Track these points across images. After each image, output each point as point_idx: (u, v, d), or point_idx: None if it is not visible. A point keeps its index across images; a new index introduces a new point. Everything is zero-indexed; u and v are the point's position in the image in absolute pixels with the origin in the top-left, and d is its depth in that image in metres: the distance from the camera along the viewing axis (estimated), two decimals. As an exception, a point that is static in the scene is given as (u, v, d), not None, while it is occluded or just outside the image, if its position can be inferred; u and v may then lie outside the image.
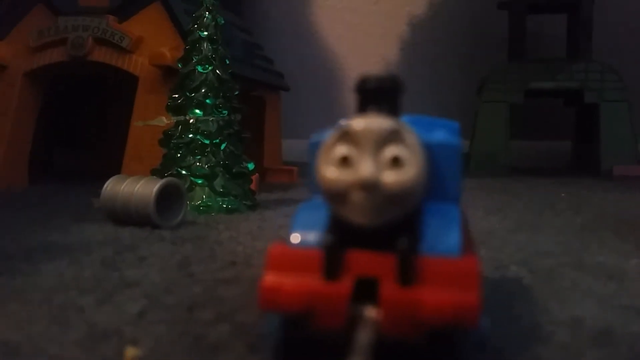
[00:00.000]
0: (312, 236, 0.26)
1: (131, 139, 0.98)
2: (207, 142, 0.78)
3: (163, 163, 0.79)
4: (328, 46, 2.00)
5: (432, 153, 0.27)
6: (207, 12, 0.81)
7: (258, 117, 1.29)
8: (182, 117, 0.79)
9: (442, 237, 0.25)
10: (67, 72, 1.14)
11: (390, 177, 0.24)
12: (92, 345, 0.30)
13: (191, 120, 0.78)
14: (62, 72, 1.13)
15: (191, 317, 0.34)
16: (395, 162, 0.24)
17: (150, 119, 0.83)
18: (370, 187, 0.24)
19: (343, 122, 0.25)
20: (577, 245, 0.57)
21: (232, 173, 0.79)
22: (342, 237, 0.25)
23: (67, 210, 0.79)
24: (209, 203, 0.76)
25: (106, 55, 1.02)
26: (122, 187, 0.65)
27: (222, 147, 0.79)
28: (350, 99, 1.75)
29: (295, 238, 0.26)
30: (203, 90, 0.79)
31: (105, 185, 0.66)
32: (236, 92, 0.83)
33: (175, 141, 0.78)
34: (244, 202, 0.79)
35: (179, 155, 0.78)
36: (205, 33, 0.81)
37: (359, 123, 0.25)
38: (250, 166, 0.82)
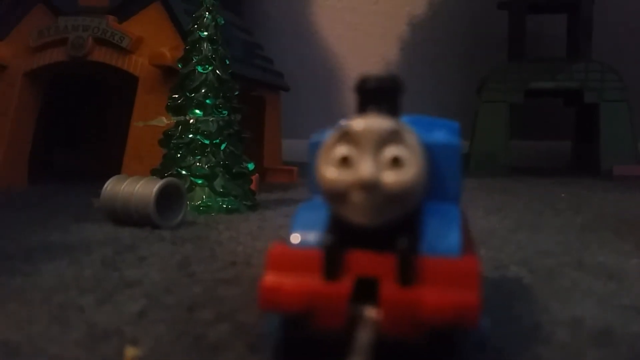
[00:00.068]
0: (312, 236, 0.26)
1: (131, 139, 0.98)
2: (207, 142, 0.78)
3: (163, 163, 0.79)
4: (328, 46, 2.00)
5: (432, 153, 0.27)
6: (207, 12, 0.81)
7: (258, 117, 1.29)
8: (182, 117, 0.79)
9: (442, 237, 0.25)
10: (67, 72, 1.14)
11: (390, 177, 0.24)
12: (92, 345, 0.30)
13: (191, 121, 0.78)
14: (62, 72, 1.13)
15: (191, 317, 0.34)
16: (395, 162, 0.24)
17: (150, 119, 0.83)
18: (370, 187, 0.24)
19: (343, 122, 0.25)
20: (577, 245, 0.57)
21: (232, 173, 0.79)
22: (342, 237, 0.25)
23: (67, 210, 0.79)
24: (209, 203, 0.76)
25: (106, 56, 1.02)
26: (122, 187, 0.65)
27: (222, 147, 0.79)
28: (350, 99, 1.76)
29: (295, 238, 0.26)
30: (203, 91, 0.79)
31: (105, 185, 0.66)
32: (236, 92, 0.83)
33: (175, 141, 0.78)
34: (244, 202, 0.79)
35: (179, 155, 0.78)
36: (205, 33, 0.81)
37: (359, 123, 0.25)
38: (250, 166, 0.82)
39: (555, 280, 0.43)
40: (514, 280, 0.43)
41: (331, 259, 0.25)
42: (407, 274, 0.24)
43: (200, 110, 0.79)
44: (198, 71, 0.79)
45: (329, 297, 0.24)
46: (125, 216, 0.64)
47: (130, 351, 0.29)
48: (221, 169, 0.78)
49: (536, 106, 1.71)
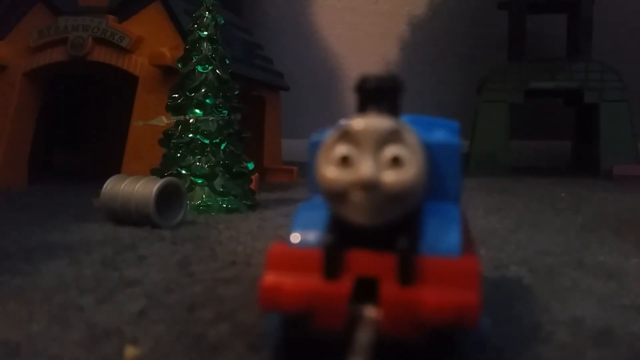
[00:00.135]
0: (312, 236, 0.26)
1: (131, 138, 0.98)
2: (207, 141, 0.78)
3: (163, 163, 0.79)
4: (328, 46, 2.00)
5: (432, 153, 0.27)
6: (207, 12, 0.81)
7: (258, 117, 1.29)
8: (182, 117, 0.79)
9: (442, 237, 0.25)
10: (67, 72, 1.14)
11: (390, 177, 0.24)
12: (92, 345, 0.30)
13: (191, 120, 0.78)
14: (62, 72, 1.13)
15: (191, 316, 0.34)
16: (396, 161, 0.24)
17: (150, 119, 0.83)
18: (371, 186, 0.24)
19: (343, 122, 0.25)
20: (577, 244, 0.57)
21: (232, 173, 0.79)
22: (342, 236, 0.25)
23: (67, 210, 0.79)
24: (208, 203, 0.76)
25: (106, 55, 1.02)
26: (122, 186, 0.65)
27: (222, 146, 0.79)
28: (350, 98, 1.76)
29: (295, 238, 0.26)
30: (203, 90, 0.79)
31: (105, 185, 0.66)
32: (236, 92, 0.83)
33: (175, 141, 0.78)
34: (244, 201, 0.79)
35: (178, 155, 0.78)
36: (205, 33, 0.81)
37: (359, 123, 0.25)
38: (250, 166, 0.82)
39: (556, 280, 0.43)
40: (514, 280, 0.43)
41: (331, 258, 0.25)
42: (407, 274, 0.24)
43: (200, 110, 0.79)
44: (198, 71, 0.79)
45: (329, 296, 0.24)
46: (125, 216, 0.64)
47: (130, 351, 0.29)
48: (221, 169, 0.78)
49: (536, 106, 1.71)
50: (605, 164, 1.47)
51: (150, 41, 1.00)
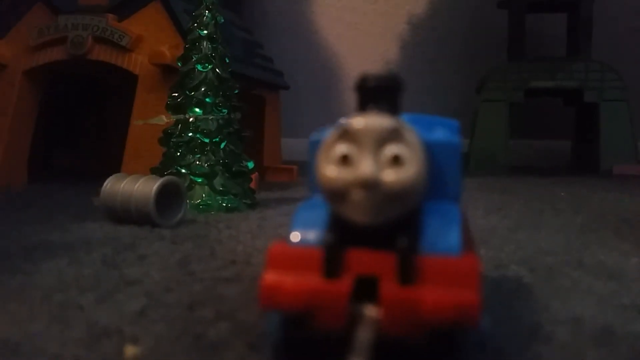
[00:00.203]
0: (312, 235, 0.26)
1: (131, 137, 0.97)
2: (206, 140, 0.78)
3: (163, 162, 0.79)
4: (327, 45, 2.00)
5: (432, 152, 0.27)
6: (206, 11, 0.81)
7: (258, 116, 1.29)
8: (181, 116, 0.79)
9: (442, 236, 0.25)
10: (66, 71, 1.14)
11: (390, 176, 0.24)
12: (93, 344, 0.30)
13: (191, 119, 0.78)
14: (62, 71, 1.13)
15: (191, 315, 0.34)
16: (396, 160, 0.24)
17: (150, 118, 0.83)
18: (371, 185, 0.24)
19: (343, 121, 0.25)
20: (577, 244, 0.57)
21: (231, 172, 0.79)
22: (342, 235, 0.25)
23: (66, 209, 0.79)
24: (208, 202, 0.76)
25: (106, 54, 1.02)
26: (122, 185, 0.65)
27: (222, 145, 0.79)
28: (350, 97, 1.76)
29: (295, 237, 0.26)
30: (203, 89, 0.79)
31: (104, 184, 0.66)
32: (236, 91, 0.83)
33: (175, 140, 0.78)
34: (244, 200, 0.79)
35: (178, 154, 0.78)
36: (205, 32, 0.80)
37: (359, 122, 0.25)
38: (250, 165, 0.82)
39: (556, 279, 0.43)
40: (514, 280, 0.43)
41: (331, 257, 0.25)
42: (408, 273, 0.24)
43: (200, 109, 0.79)
44: (198, 70, 0.79)
45: (329, 295, 0.24)
46: (124, 215, 0.64)
47: (130, 350, 0.29)
48: (221, 168, 0.78)
49: (536, 105, 1.71)
50: (605, 163, 1.47)
51: (150, 40, 1.00)
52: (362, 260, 0.24)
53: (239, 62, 1.09)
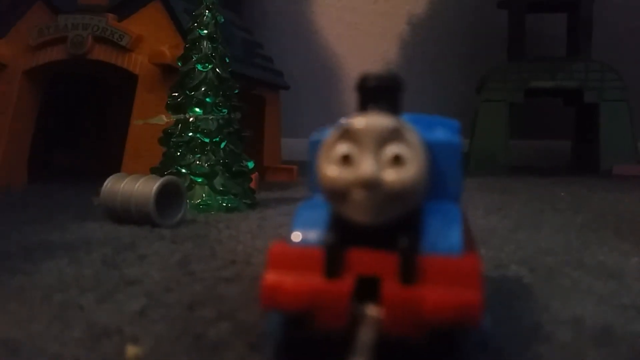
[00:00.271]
0: (313, 235, 0.26)
1: (131, 137, 0.97)
2: (206, 140, 0.78)
3: (163, 162, 0.79)
4: (327, 45, 2.00)
5: (432, 152, 0.27)
6: (207, 11, 0.81)
7: (258, 116, 1.29)
8: (182, 116, 0.79)
9: (443, 236, 0.25)
10: (66, 71, 1.14)
11: (391, 176, 0.24)
12: (93, 344, 0.30)
13: (191, 119, 0.78)
14: (62, 71, 1.13)
15: (192, 315, 0.34)
16: (397, 160, 0.24)
17: (150, 118, 0.83)
18: (372, 185, 0.24)
19: (344, 121, 0.25)
20: (577, 244, 0.57)
21: (231, 172, 0.79)
22: (343, 235, 0.25)
23: (66, 209, 0.79)
24: (208, 202, 0.76)
25: (106, 54, 1.02)
26: (122, 185, 0.65)
27: (222, 145, 0.79)
28: (350, 97, 1.75)
29: (296, 236, 0.26)
30: (203, 89, 0.79)
31: (104, 184, 0.66)
32: (236, 91, 0.83)
33: (175, 140, 0.78)
34: (244, 200, 0.79)
35: (178, 153, 0.78)
36: (205, 31, 0.80)
37: (359, 121, 0.25)
38: (250, 165, 0.82)
39: (556, 279, 0.43)
40: (514, 280, 0.43)
41: (332, 257, 0.25)
42: (409, 273, 0.23)
43: (200, 109, 0.78)
44: (198, 69, 0.79)
45: (331, 295, 0.24)
46: (125, 215, 0.64)
47: (132, 350, 0.29)
48: (221, 168, 0.78)
49: (536, 106, 1.71)
50: (605, 163, 1.47)
51: (150, 40, 1.00)
52: (363, 260, 0.24)
53: (239, 62, 1.09)
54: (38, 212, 0.76)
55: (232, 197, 0.77)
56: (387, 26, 1.95)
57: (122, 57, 1.01)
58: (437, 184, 0.27)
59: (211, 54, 0.80)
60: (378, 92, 0.26)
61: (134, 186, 0.64)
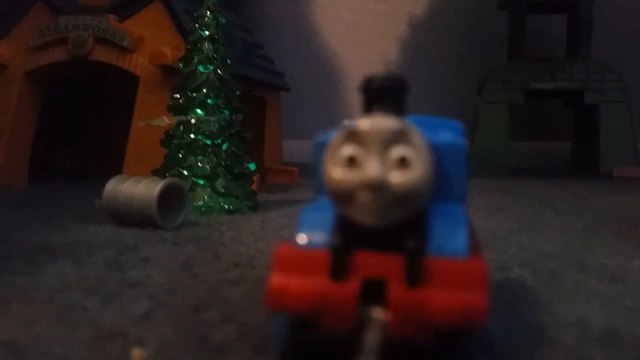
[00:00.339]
0: (319, 237, 0.26)
1: (132, 138, 0.97)
2: (208, 142, 0.78)
3: (164, 163, 0.79)
4: (328, 46, 2.00)
5: (437, 153, 0.27)
6: (208, 12, 0.81)
7: (259, 118, 1.29)
8: (183, 117, 0.79)
9: (449, 238, 0.25)
10: (67, 72, 1.14)
11: (397, 178, 0.24)
12: (98, 346, 0.30)
13: (193, 121, 0.78)
14: (63, 72, 1.13)
15: (196, 318, 0.34)
16: (402, 162, 0.24)
17: (151, 119, 0.83)
18: (377, 187, 0.24)
19: (349, 122, 0.25)
20: (579, 246, 0.57)
21: (233, 174, 0.79)
22: (349, 237, 0.25)
23: (68, 210, 0.79)
24: (210, 204, 0.76)
25: (107, 55, 1.01)
26: (124, 187, 0.64)
27: (224, 147, 0.79)
28: (350, 98, 1.75)
29: (302, 239, 0.26)
30: (204, 90, 0.79)
31: (107, 186, 0.66)
32: (237, 92, 0.83)
33: (176, 141, 0.78)
34: (246, 202, 0.79)
35: (180, 155, 0.77)
36: (207, 33, 0.80)
37: (365, 123, 0.25)
38: (252, 166, 0.82)
39: (559, 282, 0.43)
40: (517, 282, 0.43)
41: (338, 259, 0.25)
42: (415, 275, 0.23)
43: (201, 110, 0.78)
44: (199, 71, 0.79)
45: (337, 298, 0.24)
46: (127, 217, 0.64)
47: (137, 352, 0.29)
48: (223, 169, 0.78)
49: (536, 107, 1.71)
50: (605, 164, 1.47)
51: (151, 41, 1.00)
52: (369, 263, 0.24)
53: (240, 63, 1.09)
54: (39, 213, 0.76)
55: (234, 199, 0.77)
56: (387, 27, 1.95)
57: (123, 58, 1.01)
58: (442, 185, 0.27)
59: (213, 55, 0.80)
60: (383, 94, 0.26)
61: (136, 188, 0.64)
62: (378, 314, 0.24)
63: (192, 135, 0.78)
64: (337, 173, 0.25)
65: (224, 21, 0.83)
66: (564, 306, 0.37)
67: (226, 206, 0.76)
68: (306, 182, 1.22)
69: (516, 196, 1.00)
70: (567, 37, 1.64)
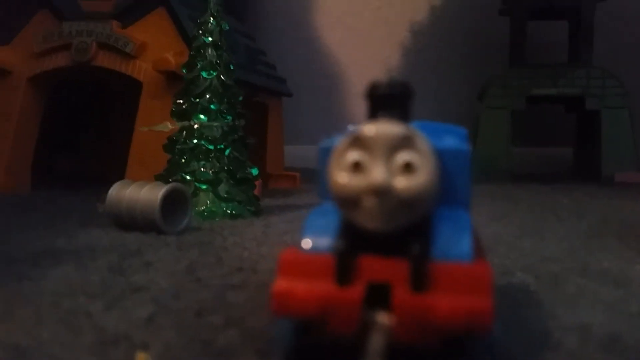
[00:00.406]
0: (324, 241, 0.26)
1: (135, 144, 0.98)
2: (211, 147, 0.78)
3: (167, 168, 0.79)
4: (329, 52, 2.00)
5: (442, 159, 0.27)
6: (211, 18, 0.82)
7: (261, 123, 1.29)
8: (186, 123, 0.79)
9: (453, 243, 0.25)
10: (71, 77, 1.15)
11: (402, 183, 0.24)
12: (102, 350, 0.30)
13: (196, 126, 0.78)
14: (66, 77, 1.13)
15: (200, 322, 0.34)
16: (407, 167, 0.24)
17: (154, 124, 0.83)
18: (383, 192, 0.24)
19: (354, 128, 0.26)
20: (581, 251, 0.57)
21: (236, 179, 0.79)
22: (354, 242, 0.25)
23: (71, 215, 0.79)
24: (213, 209, 0.76)
25: (110, 61, 1.02)
26: (127, 192, 0.65)
27: (227, 152, 0.79)
28: (352, 103, 1.75)
29: (307, 243, 0.26)
30: (207, 96, 0.79)
31: (110, 191, 0.66)
32: (240, 98, 0.83)
33: (179, 147, 0.78)
34: (248, 207, 0.79)
35: (183, 160, 0.78)
36: (210, 39, 0.81)
37: (370, 129, 0.25)
38: (254, 172, 0.82)
39: (561, 286, 0.43)
40: (520, 287, 0.43)
41: (343, 264, 0.25)
42: (420, 280, 0.24)
43: (204, 116, 0.79)
44: (203, 77, 0.80)
45: (341, 302, 0.24)
46: (130, 221, 0.64)
47: (141, 356, 0.29)
48: (225, 175, 0.78)
49: (538, 112, 1.71)
50: (606, 170, 1.47)
51: (154, 47, 1.00)
52: (374, 267, 0.24)
53: (243, 69, 1.10)
54: (43, 218, 0.76)
55: (237, 204, 0.78)
56: (389, 33, 1.96)
57: (126, 64, 1.01)
58: (446, 191, 0.27)
59: (216, 61, 0.80)
60: (388, 100, 0.27)
61: (139, 193, 0.64)
62: (383, 318, 0.24)
63: (195, 141, 0.78)
64: (342, 178, 0.25)
65: (227, 28, 0.83)
66: (567, 311, 0.37)
67: (229, 211, 0.77)
68: (308, 187, 1.22)
69: (518, 202, 1.00)
70: (568, 43, 1.65)
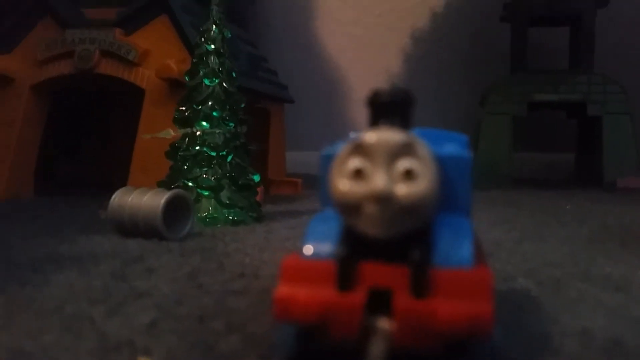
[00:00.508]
0: (326, 248, 0.26)
1: (138, 151, 0.98)
2: (213, 154, 0.78)
3: (170, 175, 0.80)
4: (331, 58, 2.01)
5: (443, 166, 0.27)
6: (214, 26, 0.82)
7: (263, 129, 1.29)
8: (189, 130, 0.79)
9: (454, 249, 0.25)
10: (73, 85, 1.15)
11: (403, 190, 0.24)
12: (104, 355, 0.30)
13: (198, 133, 0.79)
14: (69, 85, 1.14)
15: (202, 328, 0.34)
16: (408, 174, 0.25)
17: (156, 132, 0.83)
18: (384, 199, 0.24)
19: (355, 135, 0.26)
20: (583, 256, 0.57)
21: (238, 185, 0.79)
22: (355, 248, 0.25)
23: (74, 221, 0.79)
24: (215, 215, 0.76)
25: (113, 68, 1.02)
26: (130, 199, 0.65)
27: (229, 159, 0.79)
28: (353, 110, 1.75)
29: (309, 250, 0.27)
30: (210, 103, 0.79)
31: (112, 197, 0.66)
32: (242, 105, 0.83)
33: (182, 153, 0.79)
34: (250, 214, 0.79)
35: (185, 167, 0.78)
36: (212, 46, 0.81)
37: (371, 136, 0.25)
38: (256, 178, 0.82)
39: (563, 291, 0.43)
40: (522, 292, 0.43)
41: (344, 270, 0.25)
42: (421, 286, 0.24)
43: (207, 123, 0.79)
44: (205, 84, 0.80)
45: (343, 308, 0.24)
46: (132, 228, 0.65)
47: (144, 362, 0.29)
48: (227, 181, 0.78)
49: (539, 118, 1.72)
50: (608, 176, 1.47)
51: (157, 54, 1.01)
52: (375, 273, 0.25)
53: (245, 76, 1.10)
54: (45, 224, 0.77)
55: (239, 210, 0.78)
56: (390, 39, 1.96)
57: (129, 72, 1.02)
58: (447, 197, 0.28)
59: (218, 68, 0.81)
60: (389, 107, 0.27)
61: (141, 199, 0.64)
62: (384, 323, 0.24)
63: (197, 148, 0.78)
64: (344, 185, 0.25)
65: (229, 35, 0.84)
66: (569, 316, 0.37)
67: (231, 217, 0.77)
68: (310, 194, 1.22)
69: (520, 207, 1.00)
70: (569, 50, 1.65)
